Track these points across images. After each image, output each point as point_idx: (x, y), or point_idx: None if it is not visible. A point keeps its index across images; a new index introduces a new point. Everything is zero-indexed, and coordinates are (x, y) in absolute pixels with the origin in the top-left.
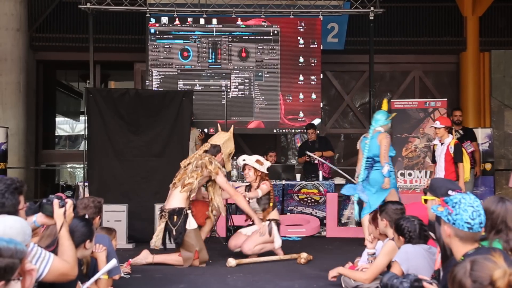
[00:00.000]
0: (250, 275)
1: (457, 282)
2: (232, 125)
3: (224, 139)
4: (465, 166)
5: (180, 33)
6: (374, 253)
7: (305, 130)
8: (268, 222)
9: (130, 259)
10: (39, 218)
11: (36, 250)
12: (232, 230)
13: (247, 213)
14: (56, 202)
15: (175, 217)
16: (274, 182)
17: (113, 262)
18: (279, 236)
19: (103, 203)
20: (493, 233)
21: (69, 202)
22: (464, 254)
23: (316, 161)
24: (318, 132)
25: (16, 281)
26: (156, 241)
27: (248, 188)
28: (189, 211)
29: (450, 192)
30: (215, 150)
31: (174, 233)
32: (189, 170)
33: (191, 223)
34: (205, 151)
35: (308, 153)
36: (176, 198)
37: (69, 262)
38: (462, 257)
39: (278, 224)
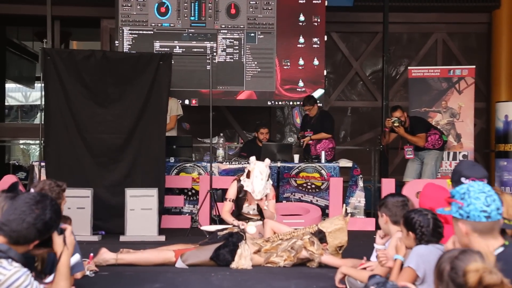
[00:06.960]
0: (237, 274)
1: (439, 264)
2: (349, 215)
3: (334, 227)
4: None
5: None
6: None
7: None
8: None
9: (92, 254)
10: None
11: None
12: (217, 220)
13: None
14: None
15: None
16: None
17: (76, 257)
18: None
19: (65, 187)
20: None
21: (69, 229)
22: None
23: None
24: (321, 104)
25: None
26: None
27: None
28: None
29: (463, 179)
30: (318, 237)
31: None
32: (281, 248)
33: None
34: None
35: (302, 138)
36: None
37: None
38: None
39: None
